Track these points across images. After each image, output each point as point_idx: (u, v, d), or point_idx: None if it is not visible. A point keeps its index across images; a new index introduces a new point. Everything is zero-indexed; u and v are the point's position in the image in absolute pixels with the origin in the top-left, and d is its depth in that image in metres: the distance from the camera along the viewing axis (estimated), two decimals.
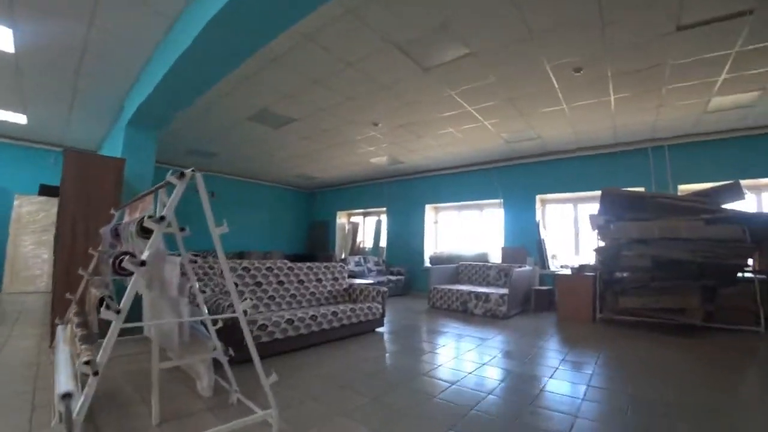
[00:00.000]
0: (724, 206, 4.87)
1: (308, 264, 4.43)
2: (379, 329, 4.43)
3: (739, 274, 4.78)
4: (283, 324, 3.29)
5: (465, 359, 3.33)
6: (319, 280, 4.44)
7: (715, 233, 4.52)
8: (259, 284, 3.86)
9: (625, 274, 5.20)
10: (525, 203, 7.33)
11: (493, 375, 2.93)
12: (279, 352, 3.28)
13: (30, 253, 6.42)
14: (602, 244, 5.37)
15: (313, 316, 3.56)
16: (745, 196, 4.97)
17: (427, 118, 5.36)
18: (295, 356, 3.27)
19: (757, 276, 4.60)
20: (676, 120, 5.32)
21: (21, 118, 5.79)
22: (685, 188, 5.82)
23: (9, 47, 3.63)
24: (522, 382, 2.78)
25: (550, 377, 2.89)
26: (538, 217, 7.21)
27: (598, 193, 5.53)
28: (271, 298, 3.92)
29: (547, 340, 4.11)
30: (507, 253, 7.08)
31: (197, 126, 5.97)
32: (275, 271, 4.04)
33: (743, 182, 4.94)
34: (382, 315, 4.37)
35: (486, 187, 7.85)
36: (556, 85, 4.27)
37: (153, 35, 3.45)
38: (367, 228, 10.42)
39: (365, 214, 10.52)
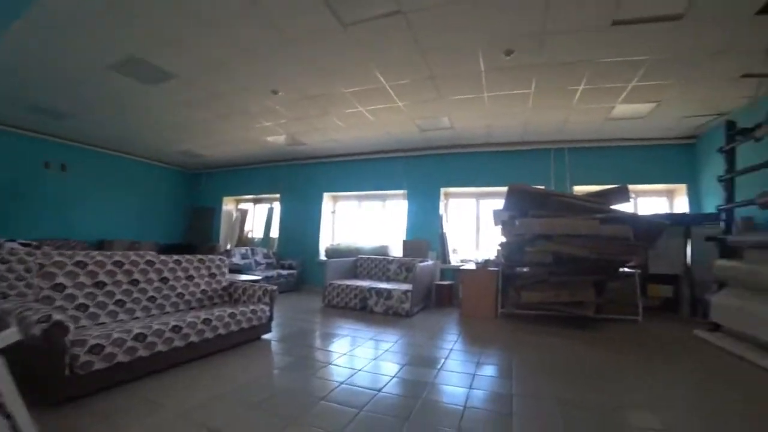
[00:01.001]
0: (612, 207, 5.15)
1: (176, 257, 3.46)
2: (267, 336, 3.67)
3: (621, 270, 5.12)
4: (130, 341, 2.36)
5: (370, 372, 2.79)
6: (190, 278, 3.51)
7: (608, 232, 4.69)
8: (100, 284, 2.83)
9: (526, 269, 5.22)
10: (429, 195, 7.10)
11: (407, 391, 2.44)
12: (123, 381, 2.36)
13: None
14: (505, 239, 5.32)
15: (175, 326, 2.67)
16: (631, 198, 5.38)
17: (337, 91, 4.68)
18: (148, 385, 2.37)
19: (637, 271, 4.98)
20: (581, 124, 5.54)
21: None
22: (579, 189, 6.15)
23: None
24: (441, 398, 2.34)
25: (470, 387, 2.51)
26: (442, 210, 7.05)
27: (502, 189, 5.47)
28: (120, 303, 2.91)
29: (456, 340, 3.79)
30: (408, 247, 6.77)
31: (40, 73, 4.41)
32: (127, 266, 3.02)
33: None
34: (270, 319, 3.62)
35: (391, 177, 7.44)
36: (482, 67, 3.95)
37: None
38: (258, 216, 9.36)
39: (256, 201, 9.43)
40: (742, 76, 4.02)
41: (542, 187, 6.15)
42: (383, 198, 7.82)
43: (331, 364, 2.95)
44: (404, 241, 6.89)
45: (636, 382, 2.71)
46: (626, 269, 5.06)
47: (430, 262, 6.10)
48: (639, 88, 4.32)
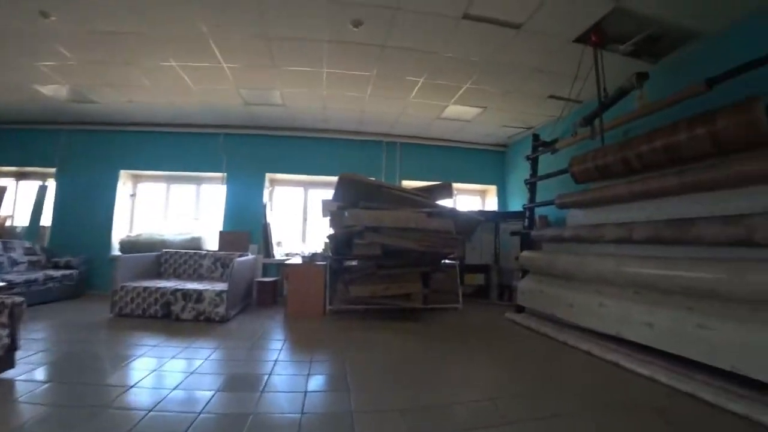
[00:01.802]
0: (437, 202, 5.40)
1: None
2: (6, 375, 2.43)
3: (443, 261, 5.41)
4: None
5: (164, 412, 2.00)
6: None
7: (434, 225, 4.85)
8: None
9: (354, 263, 5.05)
10: (253, 181, 6.31)
11: (223, 426, 1.84)
12: None
13: None
14: (334, 231, 5.05)
15: None
16: (453, 195, 5.75)
17: (141, 32, 3.53)
18: None
19: (457, 262, 5.32)
20: (415, 119, 5.64)
21: None
22: (407, 183, 6.32)
23: None
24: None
25: (302, 412, 2.03)
26: (266, 198, 6.39)
27: (332, 178, 5.19)
28: None
29: (282, 348, 3.27)
30: (226, 239, 5.87)
31: None
32: None
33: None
34: (12, 348, 2.47)
35: (208, 156, 6.31)
36: (327, 36, 3.52)
37: None
38: (24, 196, 7.03)
39: (21, 175, 7.06)
40: (549, 96, 4.59)
41: (373, 178, 6.11)
42: (198, 181, 6.59)
43: (104, 406, 2.04)
44: (221, 233, 5.96)
45: (468, 371, 2.76)
46: (448, 260, 5.35)
47: (250, 257, 5.40)
48: (471, 91, 4.55)
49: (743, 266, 2.27)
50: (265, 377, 2.55)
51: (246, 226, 6.05)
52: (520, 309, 4.48)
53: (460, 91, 4.56)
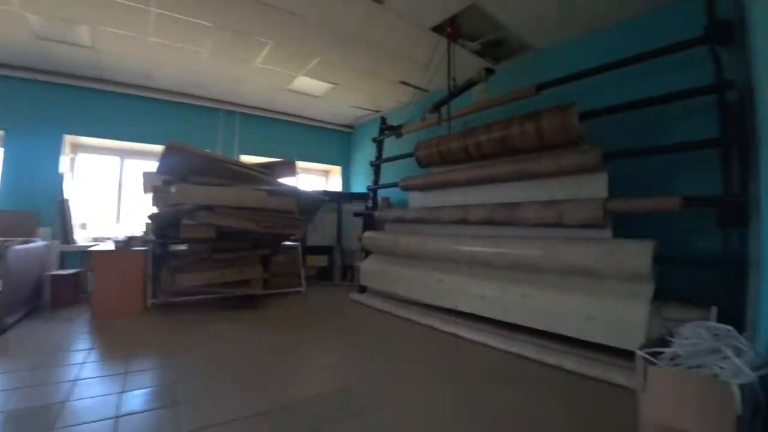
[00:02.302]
0: (279, 180, 5.04)
1: None
2: None
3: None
4: None
5: None
6: None
7: (275, 204, 4.50)
8: None
9: (184, 247, 4.34)
10: (45, 143, 4.69)
11: None
12: None
13: None
14: (158, 210, 4.23)
15: None
16: (296, 174, 5.44)
17: None
18: None
19: (298, 244, 5.08)
20: (260, 87, 5.08)
21: None
22: (246, 158, 5.72)
23: None
24: None
25: None
26: (65, 166, 4.93)
27: (158, 147, 4.34)
28: None
29: (85, 361, 2.48)
30: (2, 220, 4.36)
31: None
32: None
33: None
34: None
35: None
36: None
37: None
38: None
39: None
40: (401, 82, 4.68)
41: (208, 151, 5.36)
42: None
43: None
44: None
45: (317, 359, 2.61)
46: (290, 242, 5.07)
47: (39, 243, 4.08)
48: (325, 65, 4.30)
49: (556, 243, 2.69)
50: (59, 406, 1.84)
51: (33, 204, 4.47)
52: (363, 289, 4.54)
53: (313, 62, 4.25)
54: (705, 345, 1.32)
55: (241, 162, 5.12)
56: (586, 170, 2.69)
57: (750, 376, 1.12)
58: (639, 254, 2.29)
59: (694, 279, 2.47)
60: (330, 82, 4.81)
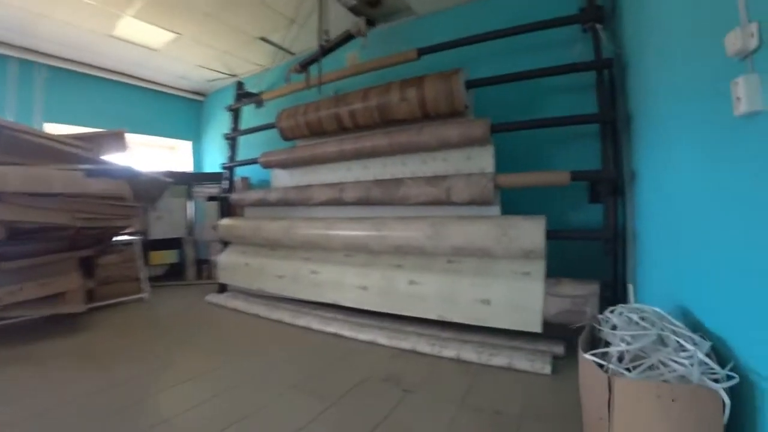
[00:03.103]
0: (104, 158, 3.92)
1: None
2: None
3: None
4: None
5: None
6: None
7: (98, 188, 3.45)
8: None
9: None
10: None
11: None
12: None
13: None
14: None
15: None
16: (127, 149, 4.30)
17: None
18: None
19: (137, 238, 4.07)
20: (72, 29, 3.71)
21: None
22: (55, 128, 4.32)
23: None
24: None
25: None
26: None
27: None
28: None
29: None
30: None
31: None
32: None
33: None
34: None
35: None
36: None
37: None
38: None
39: None
40: (260, 38, 3.91)
41: None
42: None
43: None
44: None
45: (168, 398, 1.84)
46: (124, 237, 4.01)
47: None
48: (163, 4, 3.29)
49: (444, 223, 2.43)
50: None
51: None
52: (222, 288, 3.80)
53: None
54: (647, 336, 1.11)
55: (46, 133, 3.80)
56: (474, 142, 2.46)
57: (722, 374, 0.92)
58: (532, 231, 2.15)
59: (571, 254, 2.47)
60: (169, 30, 3.76)
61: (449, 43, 2.70)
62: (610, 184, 2.20)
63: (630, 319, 1.26)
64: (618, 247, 2.18)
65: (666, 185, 1.62)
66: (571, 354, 2.09)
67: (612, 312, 1.37)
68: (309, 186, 3.17)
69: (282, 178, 3.61)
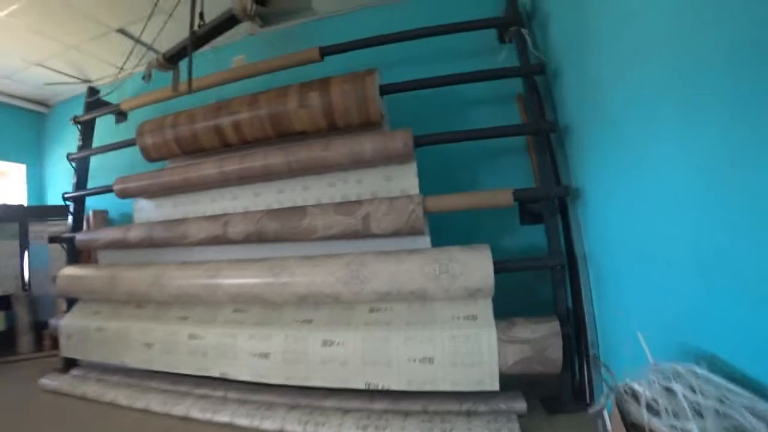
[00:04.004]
0: None
1: None
2: None
3: None
4: None
5: None
6: None
7: None
8: None
9: None
10: None
11: None
12: None
13: None
14: None
15: None
16: None
17: None
18: None
19: None
20: None
21: None
22: None
23: None
24: None
25: None
26: None
27: None
28: None
29: None
30: None
31: None
32: None
33: None
34: None
35: None
36: None
37: None
38: None
39: None
40: (118, 30, 3.05)
41: None
42: None
43: None
44: None
45: None
46: None
47: None
48: None
49: (363, 261, 1.91)
50: None
51: None
52: (69, 364, 2.75)
53: None
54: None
55: None
56: (393, 159, 2.00)
57: None
58: (478, 264, 1.72)
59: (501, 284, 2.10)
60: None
61: (359, 42, 2.23)
62: (554, 203, 1.88)
63: (671, 390, 0.84)
64: (575, 276, 1.86)
65: (638, 199, 1.32)
66: (535, 410, 1.75)
67: (639, 382, 0.94)
68: (183, 220, 2.41)
69: (147, 211, 2.78)
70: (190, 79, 1.96)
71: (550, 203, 1.87)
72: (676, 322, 1.16)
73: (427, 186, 2.06)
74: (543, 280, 2.20)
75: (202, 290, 2.21)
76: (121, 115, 3.17)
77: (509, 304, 1.81)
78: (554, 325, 1.69)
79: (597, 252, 1.74)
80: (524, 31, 2.11)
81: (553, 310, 1.83)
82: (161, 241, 2.43)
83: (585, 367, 1.82)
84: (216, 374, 2.10)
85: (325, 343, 1.87)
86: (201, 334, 2.16)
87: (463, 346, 1.67)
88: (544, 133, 1.94)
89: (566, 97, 1.96)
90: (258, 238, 2.12)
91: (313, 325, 1.94)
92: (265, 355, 1.97)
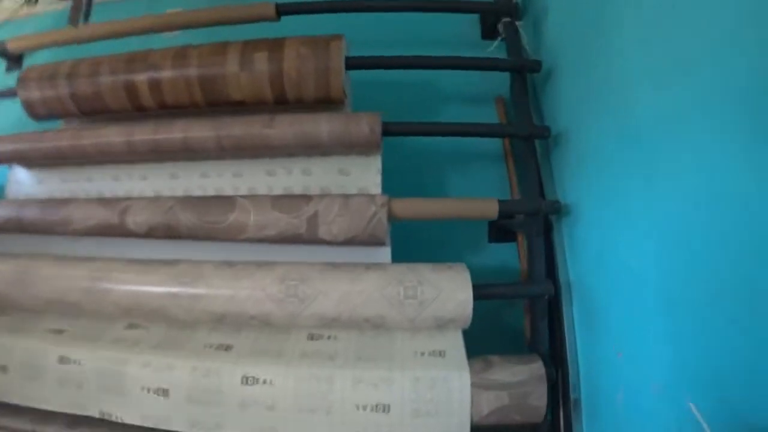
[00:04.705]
0: None
1: None
2: None
3: None
4: None
5: None
6: None
7: None
8: None
9: None
10: None
11: None
12: None
13: None
14: None
15: None
16: None
17: None
18: None
19: None
20: None
21: None
22: None
23: None
24: None
25: None
26: None
27: None
28: None
29: None
30: None
31: None
32: None
33: None
34: None
35: None
36: None
37: None
38: None
39: None
40: None
41: None
42: None
43: None
44: None
45: None
46: None
47: None
48: None
49: (305, 273, 1.49)
50: None
51: None
52: None
53: None
54: None
55: None
56: (354, 148, 1.61)
57: None
58: (455, 288, 1.37)
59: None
60: None
61: (326, 3, 1.82)
62: (539, 220, 1.60)
63: None
64: (556, 305, 1.58)
65: (662, 217, 1.02)
66: None
67: None
68: (66, 201, 1.82)
69: (27, 185, 2.14)
70: (88, 9, 1.42)
71: (536, 220, 1.59)
72: (714, 383, 0.88)
73: (386, 186, 1.71)
74: (510, 306, 1.94)
75: (83, 296, 1.65)
76: (13, 61, 2.47)
77: (466, 333, 1.50)
78: (538, 367, 1.38)
79: (589, 280, 1.48)
80: (519, 23, 1.85)
81: (522, 342, 1.56)
82: (33, 226, 1.82)
83: (564, 413, 1.55)
84: (95, 414, 1.56)
85: (247, 380, 1.41)
86: (77, 356, 1.59)
87: (429, 392, 1.31)
88: (535, 138, 1.66)
89: (561, 101, 1.71)
90: (166, 233, 1.60)
91: (232, 354, 1.47)
92: (164, 392, 1.47)
